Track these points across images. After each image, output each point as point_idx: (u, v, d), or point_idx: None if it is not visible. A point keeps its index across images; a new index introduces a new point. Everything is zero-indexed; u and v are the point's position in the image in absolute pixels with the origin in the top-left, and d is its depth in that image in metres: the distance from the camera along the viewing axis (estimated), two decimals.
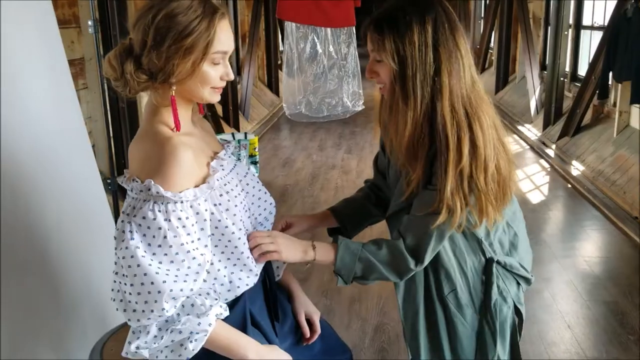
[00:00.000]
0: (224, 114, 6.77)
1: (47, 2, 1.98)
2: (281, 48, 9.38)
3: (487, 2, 11.10)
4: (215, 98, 1.27)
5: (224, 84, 1.27)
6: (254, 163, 5.44)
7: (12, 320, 1.71)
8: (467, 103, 1.27)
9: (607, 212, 4.33)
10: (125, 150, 2.67)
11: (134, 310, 1.14)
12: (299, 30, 4.35)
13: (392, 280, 1.46)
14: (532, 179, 5.41)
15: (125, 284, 1.14)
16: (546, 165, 5.84)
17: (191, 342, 1.17)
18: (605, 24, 5.63)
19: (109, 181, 3.08)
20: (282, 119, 7.97)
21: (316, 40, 4.41)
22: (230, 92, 6.74)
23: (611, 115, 5.40)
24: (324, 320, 1.63)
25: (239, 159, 5.07)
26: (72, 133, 2.06)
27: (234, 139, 5.37)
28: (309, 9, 4.05)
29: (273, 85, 9.27)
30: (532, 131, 7.04)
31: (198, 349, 1.17)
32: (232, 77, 1.27)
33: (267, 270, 1.43)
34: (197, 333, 1.17)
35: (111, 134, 3.34)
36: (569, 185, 5.14)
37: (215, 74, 1.23)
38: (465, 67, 1.27)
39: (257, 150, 5.47)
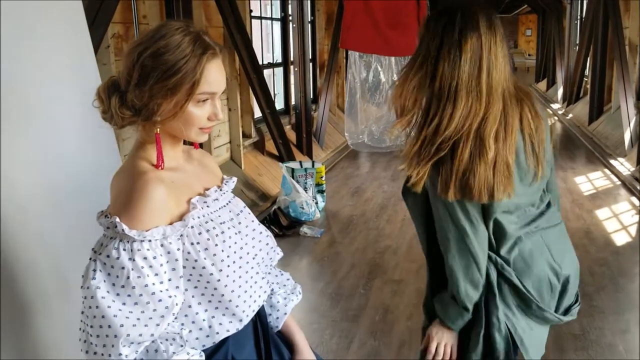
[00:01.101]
0: (298, 141, 6.80)
1: (84, 27, 2.04)
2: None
3: (582, 28, 10.55)
4: (201, 138, 1.23)
5: (212, 124, 1.22)
6: (321, 192, 5.39)
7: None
8: (454, 89, 1.44)
9: None
10: None
11: (95, 353, 1.09)
12: (362, 59, 4.29)
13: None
14: (620, 218, 4.95)
15: (87, 325, 1.10)
16: (638, 203, 5.34)
17: None
18: None
19: None
20: None
21: (379, 69, 4.33)
22: (304, 120, 6.78)
23: None
24: None
25: (305, 188, 5.05)
26: (106, 163, 2.09)
27: (301, 167, 5.36)
28: (373, 38, 3.98)
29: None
30: (625, 165, 6.50)
31: None
32: (220, 117, 1.22)
33: (260, 314, 1.34)
34: None
35: None
36: None
37: (201, 115, 1.19)
38: (464, 62, 1.44)
39: (323, 179, 5.42)
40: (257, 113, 6.04)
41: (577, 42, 11.43)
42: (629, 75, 7.31)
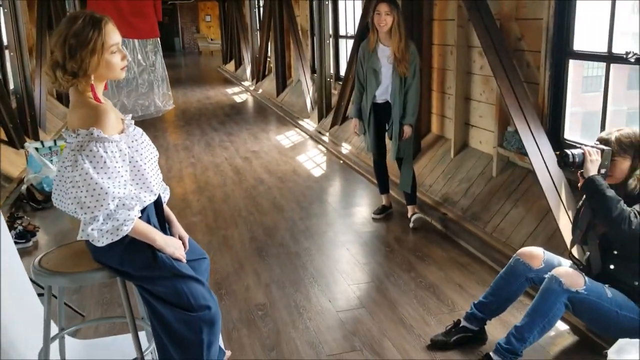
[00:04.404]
0: (22, 125, 6.83)
1: None
2: None
3: (262, 16, 12.36)
4: (123, 74, 2.03)
5: (126, 62, 2.02)
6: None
7: None
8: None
9: (368, 175, 5.70)
10: None
11: (88, 207, 1.85)
12: None
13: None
14: (314, 160, 6.66)
15: (81, 192, 1.84)
16: (323, 149, 7.17)
17: (124, 226, 1.91)
18: (355, 33, 7.12)
19: None
20: None
21: (125, 50, 5.00)
22: (26, 104, 6.85)
23: None
24: (191, 239, 2.42)
25: (51, 162, 5.40)
26: None
27: (43, 146, 5.66)
28: (116, 22, 4.60)
29: (63, 98, 9.31)
30: (310, 124, 8.39)
31: (129, 231, 1.92)
32: (128, 57, 2.03)
33: (159, 198, 2.19)
34: (128, 220, 1.92)
35: None
36: (341, 161, 6.48)
37: (116, 60, 1.98)
38: None
39: None
40: None
41: (258, 27, 13.30)
42: (304, 55, 9.25)
